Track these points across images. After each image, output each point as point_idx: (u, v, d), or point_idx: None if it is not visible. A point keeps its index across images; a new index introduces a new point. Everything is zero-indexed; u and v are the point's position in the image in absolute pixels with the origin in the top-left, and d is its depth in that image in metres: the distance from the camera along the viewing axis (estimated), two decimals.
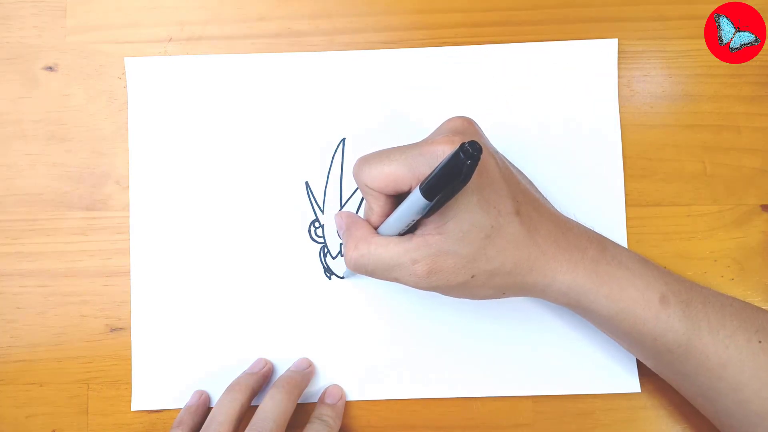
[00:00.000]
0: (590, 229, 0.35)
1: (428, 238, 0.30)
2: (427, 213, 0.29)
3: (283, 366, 0.39)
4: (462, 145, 0.24)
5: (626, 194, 0.40)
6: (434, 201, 0.27)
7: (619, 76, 0.41)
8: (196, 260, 0.40)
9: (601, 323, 0.35)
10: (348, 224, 0.34)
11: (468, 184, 0.29)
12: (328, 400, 0.38)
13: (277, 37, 0.41)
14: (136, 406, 0.39)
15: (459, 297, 0.34)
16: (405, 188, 0.31)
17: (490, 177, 0.31)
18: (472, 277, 0.31)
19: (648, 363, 0.36)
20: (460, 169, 0.25)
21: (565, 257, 0.32)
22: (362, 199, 0.40)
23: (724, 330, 0.32)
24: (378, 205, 0.33)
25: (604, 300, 0.32)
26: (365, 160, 0.32)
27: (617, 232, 0.40)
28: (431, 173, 0.27)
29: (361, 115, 0.41)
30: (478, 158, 0.24)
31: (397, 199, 0.32)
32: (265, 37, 0.41)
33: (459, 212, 0.30)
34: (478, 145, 0.24)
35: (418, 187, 0.28)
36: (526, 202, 0.32)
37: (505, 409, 0.39)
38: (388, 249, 0.31)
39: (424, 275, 0.31)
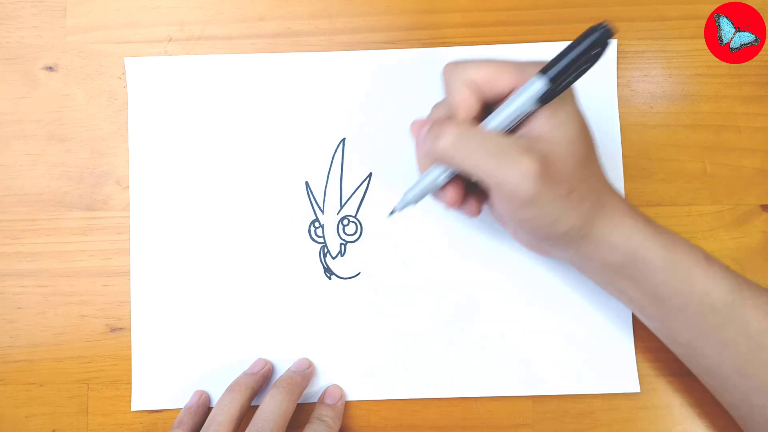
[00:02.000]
0: None
1: (538, 140, 0.30)
2: (543, 101, 0.29)
3: (283, 366, 0.39)
4: (594, 26, 0.26)
5: (626, 194, 0.40)
6: (558, 83, 0.28)
7: (619, 76, 0.41)
8: (196, 260, 0.40)
9: (651, 278, 0.33)
10: (437, 117, 0.33)
11: (575, 103, 0.30)
12: (328, 401, 0.38)
13: (277, 37, 0.41)
14: (136, 406, 0.39)
15: (528, 226, 0.32)
16: (506, 87, 0.30)
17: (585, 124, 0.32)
18: (569, 193, 0.30)
19: (685, 335, 0.34)
20: (593, 44, 0.27)
21: (627, 207, 0.33)
22: (363, 198, 0.40)
23: (762, 297, 0.32)
24: (465, 103, 0.31)
25: (661, 250, 0.32)
26: (466, 60, 0.31)
27: None
28: (558, 55, 0.27)
29: (361, 115, 0.41)
30: (610, 35, 0.26)
31: (483, 109, 0.31)
32: (265, 37, 0.41)
33: (567, 121, 0.30)
34: (608, 27, 0.26)
35: (534, 75, 0.28)
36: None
37: (505, 409, 0.39)
38: (493, 137, 0.30)
39: (531, 173, 0.29)
